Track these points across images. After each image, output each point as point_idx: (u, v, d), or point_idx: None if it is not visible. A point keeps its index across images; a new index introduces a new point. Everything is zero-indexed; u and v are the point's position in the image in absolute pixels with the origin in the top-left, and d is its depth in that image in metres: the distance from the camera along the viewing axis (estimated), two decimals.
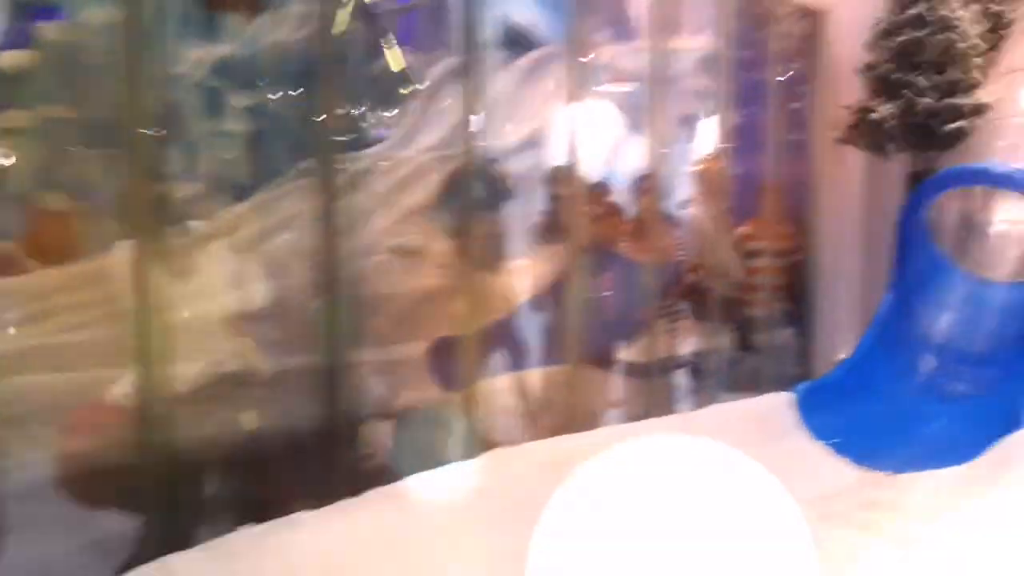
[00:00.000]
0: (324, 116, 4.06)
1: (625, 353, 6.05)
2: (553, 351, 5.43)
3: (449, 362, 4.84)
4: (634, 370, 6.00)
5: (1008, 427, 4.96)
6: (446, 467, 3.84)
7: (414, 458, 4.36)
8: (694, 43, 7.00)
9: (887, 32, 6.88)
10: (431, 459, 4.25)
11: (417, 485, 3.55)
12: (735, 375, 6.86)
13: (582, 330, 5.35)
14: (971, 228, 6.86)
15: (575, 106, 6.86)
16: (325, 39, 4.13)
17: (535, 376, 5.45)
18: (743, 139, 7.01)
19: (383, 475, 3.96)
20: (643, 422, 4.87)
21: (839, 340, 7.38)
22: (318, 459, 4.02)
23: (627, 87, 6.89)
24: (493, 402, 5.26)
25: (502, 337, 5.36)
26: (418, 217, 5.28)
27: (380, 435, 4.35)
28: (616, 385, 6.04)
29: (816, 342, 7.37)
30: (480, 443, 4.76)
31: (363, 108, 5.40)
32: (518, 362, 5.48)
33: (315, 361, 3.98)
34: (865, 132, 6.87)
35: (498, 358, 5.41)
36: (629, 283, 5.89)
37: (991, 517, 4.20)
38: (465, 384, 4.77)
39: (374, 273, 4.80)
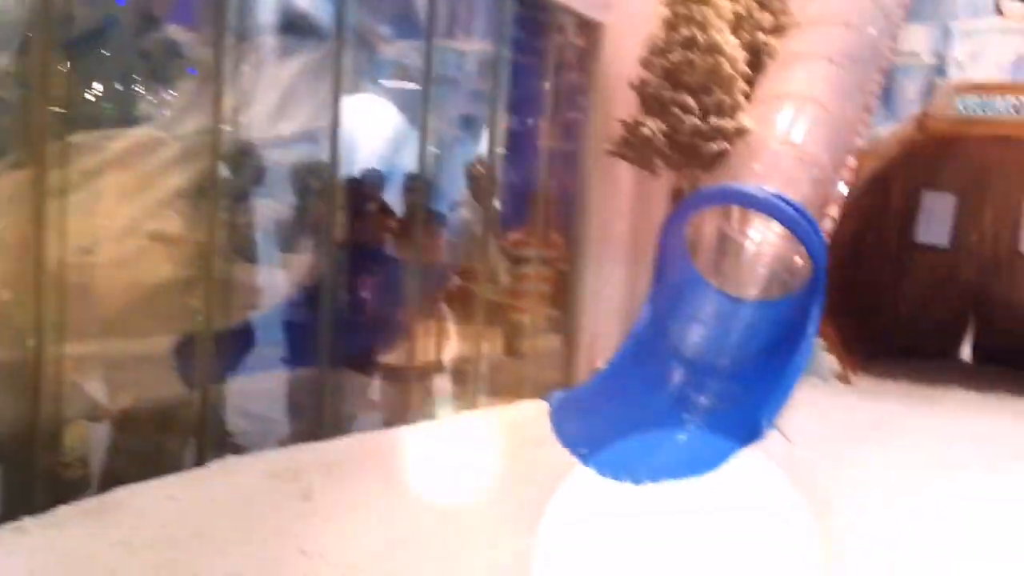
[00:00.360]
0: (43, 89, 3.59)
1: (385, 356, 5.85)
2: (306, 352, 5.13)
3: (193, 360, 4.45)
4: (394, 374, 5.80)
5: (748, 439, 5.16)
6: (164, 478, 3.46)
7: (131, 465, 3.97)
8: (473, 45, 6.91)
9: (660, 51, 7.07)
10: (152, 466, 3.89)
11: (123, 497, 3.17)
12: (499, 381, 6.81)
13: (337, 331, 5.09)
14: (726, 246, 7.16)
15: (353, 100, 6.60)
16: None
17: (285, 378, 5.13)
18: (517, 145, 6.99)
19: (87, 484, 3.56)
20: (392, 430, 4.66)
21: (601, 349, 7.52)
22: (12, 464, 3.56)
23: (407, 85, 6.68)
24: (237, 404, 4.92)
25: (250, 335, 5.02)
26: (178, 203, 4.84)
27: (90, 439, 3.91)
28: (374, 389, 5.82)
29: (579, 350, 7.45)
30: (215, 448, 4.43)
31: (132, 85, 4.93)
32: (268, 362, 5.15)
33: (12, 356, 3.50)
34: (635, 147, 7.02)
35: (246, 357, 5.06)
36: (392, 285, 5.68)
37: (728, 527, 4.33)
38: (205, 383, 4.41)
39: (121, 261, 4.36)
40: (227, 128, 4.65)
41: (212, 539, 3.12)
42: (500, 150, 6.70)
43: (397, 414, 5.64)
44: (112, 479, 3.78)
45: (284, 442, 4.89)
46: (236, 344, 4.85)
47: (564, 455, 5.12)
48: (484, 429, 4.84)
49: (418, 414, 5.70)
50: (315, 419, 4.92)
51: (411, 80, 7.30)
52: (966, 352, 10.50)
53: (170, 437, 4.33)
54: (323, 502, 3.65)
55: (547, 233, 6.99)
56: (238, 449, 4.63)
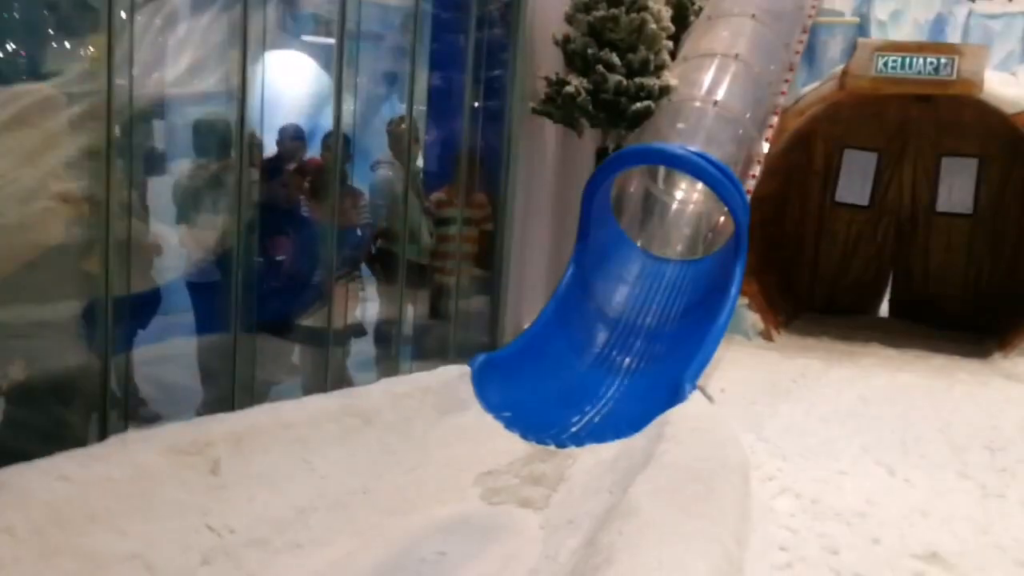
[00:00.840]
0: None
1: (302, 320, 5.68)
2: (218, 317, 4.94)
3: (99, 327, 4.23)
4: (311, 338, 5.64)
5: (671, 400, 5.14)
6: (56, 456, 3.27)
7: (28, 442, 3.77)
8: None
9: (585, 7, 6.94)
10: (52, 443, 3.68)
11: (6, 478, 2.98)
12: (424, 343, 6.71)
13: (249, 295, 4.91)
14: (651, 205, 7.12)
15: (272, 56, 6.34)
16: None
17: (196, 344, 4.94)
18: (440, 103, 6.82)
19: None
20: (308, 398, 4.52)
21: (528, 310, 7.46)
22: None
23: (329, 40, 6.44)
24: (146, 373, 4.73)
25: (156, 300, 4.82)
26: (84, 163, 4.58)
27: None
28: (291, 354, 5.66)
29: (506, 311, 7.37)
30: (120, 421, 4.25)
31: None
32: (177, 328, 4.95)
33: None
34: (559, 105, 6.91)
35: (151, 323, 4.86)
36: (308, 246, 5.50)
37: (646, 490, 4.32)
38: (107, 352, 4.20)
39: (23, 223, 4.10)
40: (122, 84, 4.37)
41: (109, 520, 2.96)
42: (421, 107, 6.52)
43: (315, 380, 5.50)
44: (5, 458, 3.57)
45: (197, 411, 4.73)
46: (142, 310, 4.66)
47: (487, 419, 5.05)
48: (405, 394, 4.72)
49: (338, 379, 5.57)
50: (228, 387, 4.75)
51: (333, 35, 7.05)
52: (886, 308, 10.73)
53: (71, 411, 4.12)
54: (231, 476, 3.51)
55: (471, 193, 6.85)
56: (146, 421, 4.46)
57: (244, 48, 4.85)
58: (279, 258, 5.30)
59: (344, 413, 4.28)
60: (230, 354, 4.78)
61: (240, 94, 4.82)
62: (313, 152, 6.03)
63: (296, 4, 8.93)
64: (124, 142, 4.37)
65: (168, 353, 4.85)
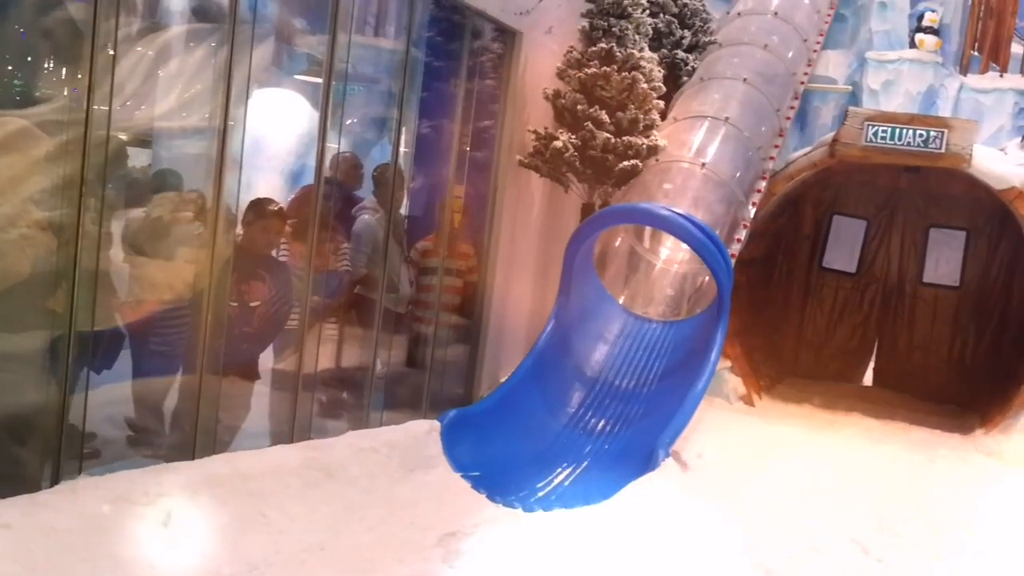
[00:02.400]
0: None
1: (274, 364, 5.57)
2: (188, 358, 4.82)
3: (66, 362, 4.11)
4: (283, 383, 5.52)
5: (642, 468, 5.04)
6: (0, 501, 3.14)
7: None
8: (390, 44, 6.68)
9: (577, 63, 6.95)
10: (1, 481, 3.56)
11: None
12: (398, 393, 6.59)
13: (217, 337, 4.79)
14: (635, 264, 7.08)
15: (263, 93, 6.30)
16: None
17: (159, 385, 4.81)
18: (428, 150, 6.78)
19: None
20: (270, 449, 4.40)
21: (507, 361, 7.36)
22: None
23: (316, 80, 6.40)
24: (106, 414, 4.60)
25: (120, 339, 4.71)
26: (59, 194, 4.50)
27: None
28: (259, 399, 5.54)
29: (484, 362, 7.28)
30: (75, 464, 4.11)
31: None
32: (140, 368, 4.83)
33: None
34: (547, 159, 6.88)
35: (119, 361, 4.74)
36: (282, 291, 5.41)
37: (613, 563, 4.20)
38: (65, 390, 4.07)
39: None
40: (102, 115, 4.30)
41: (50, 574, 2.83)
42: (409, 154, 6.49)
43: (283, 427, 5.37)
44: None
45: (157, 455, 4.59)
46: (106, 347, 4.55)
47: (454, 478, 4.94)
48: (371, 448, 4.61)
49: (305, 428, 5.44)
50: (191, 430, 4.62)
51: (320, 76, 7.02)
52: (869, 377, 10.65)
53: (24, 451, 3.99)
54: (183, 528, 3.38)
55: (458, 243, 6.79)
56: (102, 465, 4.33)
57: (228, 89, 4.79)
58: (251, 301, 5.20)
59: (306, 466, 4.16)
60: (195, 397, 4.67)
61: (220, 136, 4.74)
62: (291, 193, 5.99)
63: (292, 42, 8.95)
64: (101, 174, 4.29)
65: (124, 395, 4.73)
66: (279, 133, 7.42)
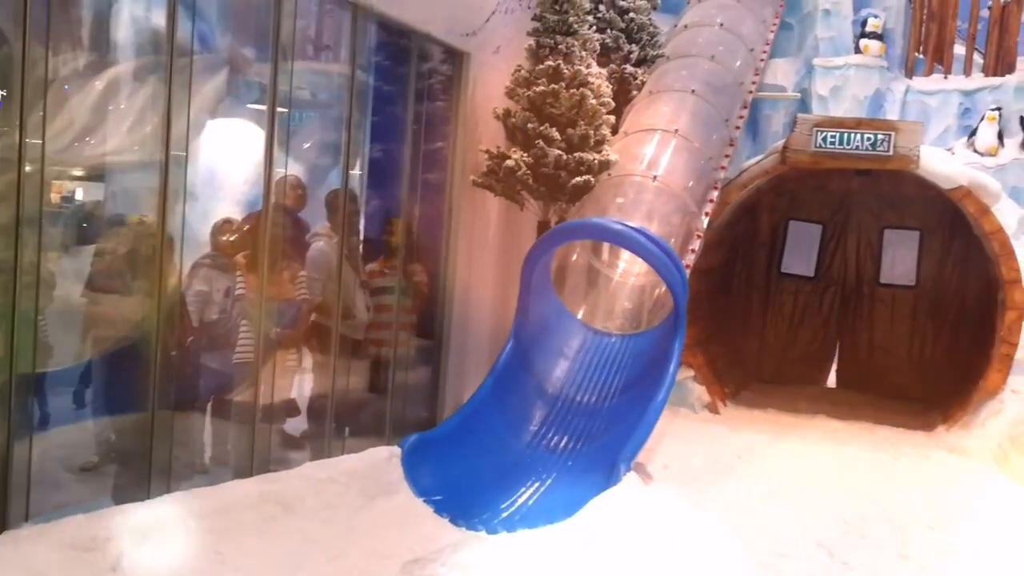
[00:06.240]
0: None
1: (228, 396, 5.50)
2: (134, 395, 4.74)
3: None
4: (238, 415, 5.46)
5: (605, 483, 5.03)
6: None
7: None
8: (334, 68, 6.66)
9: (526, 81, 6.97)
10: None
11: None
12: (360, 419, 6.53)
13: (168, 371, 4.72)
14: (593, 278, 7.08)
15: (217, 123, 6.25)
16: None
17: (110, 425, 4.73)
18: (379, 173, 6.76)
19: None
20: (225, 484, 4.32)
21: (470, 381, 7.32)
22: None
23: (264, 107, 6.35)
24: (56, 457, 4.50)
25: (67, 380, 4.62)
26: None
27: None
28: (219, 433, 5.46)
29: (447, 383, 7.24)
30: (22, 511, 4.01)
31: None
32: (92, 408, 4.74)
33: None
34: (500, 178, 6.88)
35: (68, 403, 4.66)
36: (235, 322, 5.36)
37: None
38: (12, 436, 3.97)
39: None
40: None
41: None
42: (361, 178, 6.47)
43: (242, 460, 5.30)
44: None
45: (109, 496, 4.50)
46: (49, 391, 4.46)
47: (416, 503, 4.89)
48: (329, 479, 4.55)
49: (264, 460, 5.37)
50: (144, 470, 4.54)
51: (281, 104, 6.98)
52: (832, 379, 10.74)
53: None
54: (133, 574, 3.31)
55: (411, 264, 6.77)
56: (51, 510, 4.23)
57: (168, 118, 4.73)
58: (203, 333, 5.14)
59: (263, 500, 4.10)
60: (147, 434, 4.59)
61: (163, 168, 4.69)
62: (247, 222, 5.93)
63: (245, 71, 8.90)
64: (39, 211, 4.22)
65: (82, 435, 4.64)
66: (233, 163, 7.36)
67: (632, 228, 5.94)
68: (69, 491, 4.25)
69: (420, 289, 6.94)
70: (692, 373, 8.32)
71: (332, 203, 6.31)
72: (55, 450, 4.22)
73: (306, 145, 7.25)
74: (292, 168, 6.69)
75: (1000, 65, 10.44)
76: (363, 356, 6.60)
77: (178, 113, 5.15)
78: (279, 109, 6.33)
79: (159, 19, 8.43)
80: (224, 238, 5.74)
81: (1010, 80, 9.98)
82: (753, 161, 8.70)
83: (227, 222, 5.84)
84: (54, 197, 4.78)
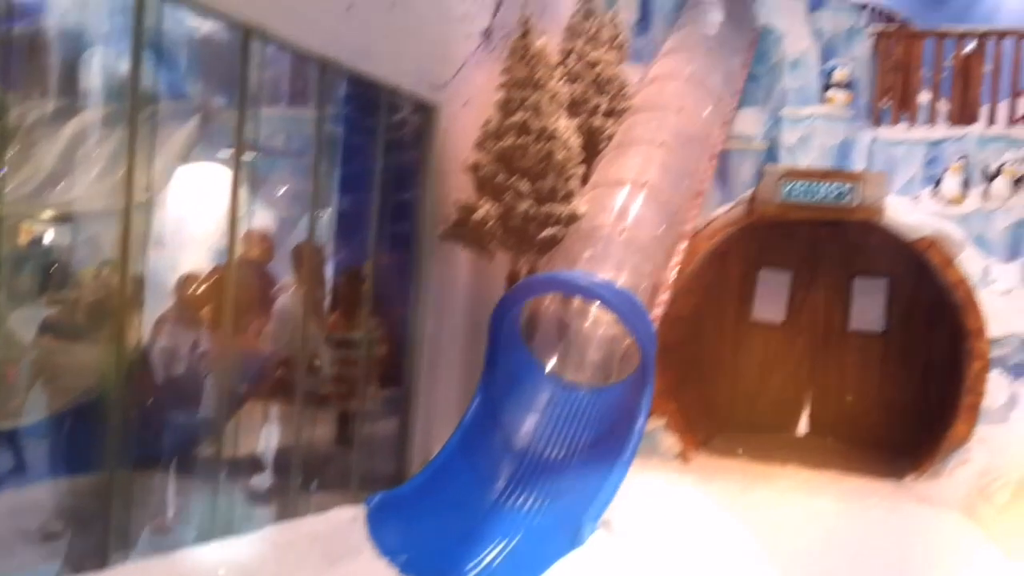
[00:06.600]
0: None
1: (197, 454, 5.42)
2: (92, 455, 4.65)
3: None
4: (201, 473, 5.37)
5: (570, 544, 4.99)
6: None
7: None
8: (304, 118, 6.68)
9: (495, 134, 7.01)
10: None
11: None
12: (327, 474, 6.46)
13: (128, 429, 4.63)
14: (562, 330, 7.08)
15: (185, 170, 6.24)
16: None
17: (66, 487, 4.63)
18: (347, 225, 6.76)
19: None
20: (182, 551, 4.24)
21: (439, 434, 7.27)
22: None
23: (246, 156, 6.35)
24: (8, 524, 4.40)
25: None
26: None
27: None
28: (182, 492, 5.37)
29: (415, 437, 7.18)
30: None
31: None
32: (48, 470, 4.66)
33: None
34: (470, 230, 6.89)
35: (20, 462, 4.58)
36: (197, 378, 5.30)
37: None
38: None
39: None
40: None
41: None
42: (329, 230, 6.47)
43: (205, 521, 5.21)
44: None
45: (65, 565, 4.39)
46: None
47: (381, 564, 4.83)
48: (290, 543, 4.48)
49: (226, 521, 5.28)
50: (101, 535, 4.44)
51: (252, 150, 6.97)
52: (804, 425, 10.75)
53: None
54: None
55: (375, 315, 6.73)
56: None
57: (130, 167, 4.68)
58: (164, 388, 5.08)
59: (222, 566, 4.02)
60: (104, 496, 4.50)
61: (126, 215, 4.62)
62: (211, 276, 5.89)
63: (215, 118, 8.90)
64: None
65: (35, 497, 4.54)
66: (203, 210, 7.34)
67: (599, 283, 5.96)
68: (18, 558, 4.14)
69: (386, 341, 6.90)
70: (663, 421, 8.31)
71: (298, 256, 6.30)
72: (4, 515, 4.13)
73: (276, 194, 7.24)
74: (262, 217, 6.68)
75: (964, 115, 10.63)
76: (329, 409, 6.55)
77: (144, 160, 5.13)
78: (247, 157, 6.32)
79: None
80: (189, 292, 5.72)
81: (973, 130, 10.14)
82: (722, 210, 8.77)
83: (192, 276, 5.82)
84: (17, 242, 4.74)
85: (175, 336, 5.42)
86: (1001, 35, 10.78)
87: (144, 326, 5.15)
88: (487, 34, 7.76)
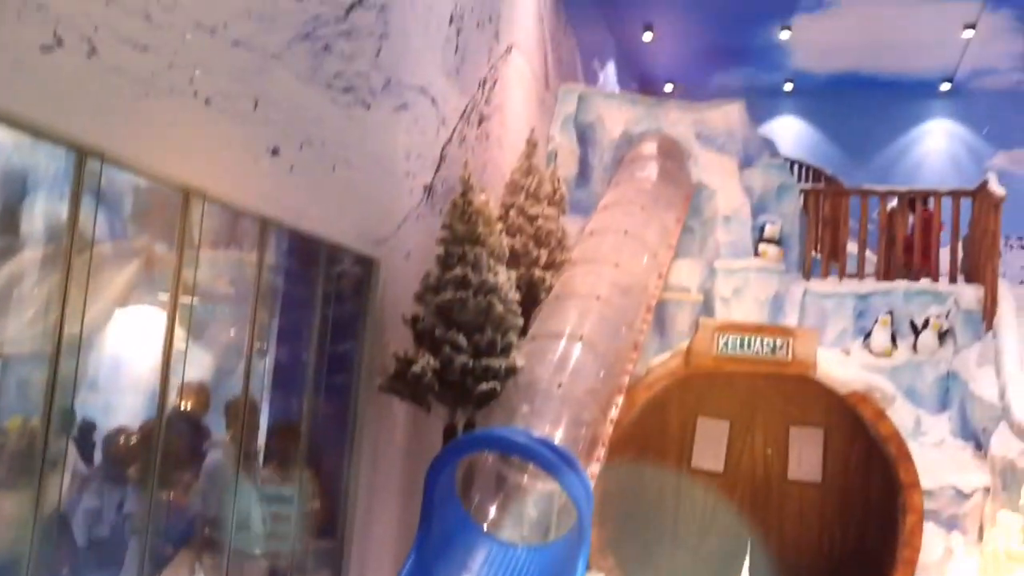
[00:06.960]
0: None
1: None
2: None
3: None
4: None
5: None
6: None
7: None
8: (245, 268, 6.71)
9: (434, 288, 7.09)
10: None
11: None
12: None
13: None
14: (501, 484, 7.00)
15: (124, 314, 6.15)
16: None
17: None
18: (283, 376, 6.71)
19: None
20: None
21: None
22: None
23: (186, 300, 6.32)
24: None
25: None
26: None
27: None
28: None
29: None
30: None
31: None
32: None
33: None
34: (407, 383, 6.87)
35: None
36: (118, 542, 5.11)
37: None
38: None
39: None
40: None
41: None
42: (264, 382, 6.41)
43: None
44: None
45: None
46: None
47: None
48: None
49: None
50: None
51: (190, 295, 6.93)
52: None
53: None
54: None
55: (306, 468, 6.60)
56: None
57: (63, 308, 4.58)
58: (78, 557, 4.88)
59: None
60: None
61: (53, 361, 4.50)
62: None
63: (156, 263, 8.88)
64: None
65: None
66: (139, 355, 7.23)
67: (536, 441, 5.95)
68: None
69: (320, 494, 6.76)
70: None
71: (231, 411, 6.20)
72: None
73: (213, 341, 7.17)
74: (199, 364, 6.58)
75: (890, 270, 11.07)
76: (260, 568, 6.33)
77: (76, 303, 5.07)
78: (184, 302, 6.29)
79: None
80: (117, 447, 5.57)
81: (899, 284, 10.55)
82: (659, 361, 8.90)
83: (121, 430, 5.69)
84: None
85: (100, 496, 5.25)
86: (925, 196, 11.40)
87: (67, 483, 4.97)
88: (429, 190, 7.97)
